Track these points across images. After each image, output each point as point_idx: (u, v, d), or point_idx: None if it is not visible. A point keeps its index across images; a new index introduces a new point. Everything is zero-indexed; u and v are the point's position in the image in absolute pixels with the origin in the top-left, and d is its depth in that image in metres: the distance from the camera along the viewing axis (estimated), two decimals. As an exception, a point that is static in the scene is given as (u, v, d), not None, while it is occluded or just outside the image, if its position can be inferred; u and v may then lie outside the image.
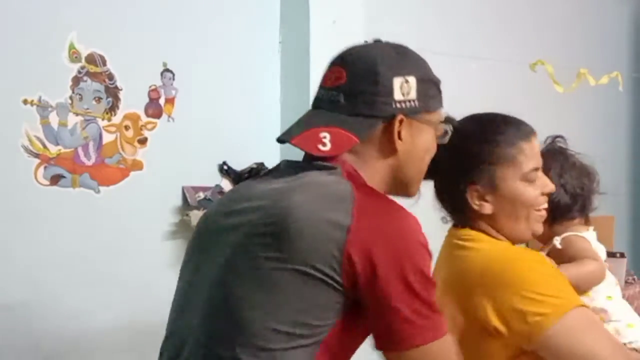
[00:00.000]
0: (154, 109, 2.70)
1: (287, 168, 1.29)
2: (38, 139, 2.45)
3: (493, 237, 1.40)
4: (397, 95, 1.23)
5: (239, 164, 2.80)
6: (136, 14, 2.64)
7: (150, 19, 2.67)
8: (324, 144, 1.20)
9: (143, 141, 2.67)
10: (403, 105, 1.24)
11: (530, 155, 1.38)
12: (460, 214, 1.42)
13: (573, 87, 3.26)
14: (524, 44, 3.67)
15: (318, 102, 1.29)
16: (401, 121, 1.24)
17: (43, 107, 2.45)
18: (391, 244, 1.12)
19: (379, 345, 1.16)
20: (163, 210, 2.71)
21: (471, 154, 1.37)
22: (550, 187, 1.42)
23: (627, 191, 4.39)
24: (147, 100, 2.69)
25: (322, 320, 1.12)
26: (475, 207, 1.37)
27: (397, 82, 1.23)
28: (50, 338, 2.46)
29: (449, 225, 1.49)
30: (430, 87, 1.29)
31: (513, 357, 1.28)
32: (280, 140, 1.27)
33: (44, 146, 2.46)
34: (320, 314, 1.12)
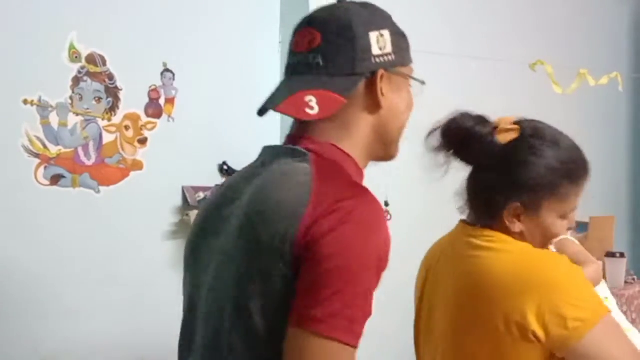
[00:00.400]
0: (154, 109, 2.70)
1: (267, 154, 1.27)
2: (38, 139, 2.45)
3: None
4: (375, 50, 1.21)
5: (239, 164, 2.78)
6: (136, 14, 2.64)
7: (150, 19, 2.67)
8: (312, 108, 1.16)
9: (143, 141, 2.67)
10: (382, 59, 1.21)
11: (579, 197, 1.39)
12: (486, 216, 1.39)
13: (572, 87, 3.26)
14: (524, 44, 3.67)
15: (294, 68, 1.24)
16: (382, 76, 1.21)
17: (43, 107, 2.45)
18: (351, 222, 1.06)
19: (296, 320, 1.06)
20: (163, 210, 2.71)
21: (536, 174, 1.34)
22: (574, 223, 1.42)
23: (627, 191, 4.40)
24: (147, 100, 2.69)
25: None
26: (506, 223, 1.35)
27: (374, 36, 1.21)
28: (50, 338, 2.46)
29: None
30: (402, 40, 1.27)
31: None
32: (264, 109, 1.23)
33: (44, 146, 2.46)
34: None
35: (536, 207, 1.34)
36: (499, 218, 1.36)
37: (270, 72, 2.96)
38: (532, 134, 1.37)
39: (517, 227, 1.35)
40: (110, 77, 2.59)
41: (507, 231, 1.36)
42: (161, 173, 2.69)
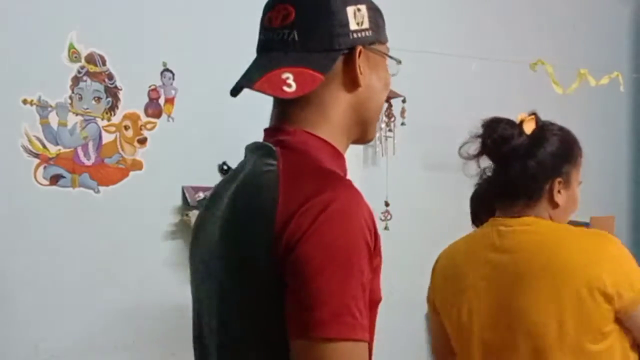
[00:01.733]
0: (154, 108, 2.70)
1: (244, 160, 1.24)
2: (38, 138, 2.45)
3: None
4: (353, 26, 1.15)
5: (239, 164, 2.80)
6: (136, 14, 2.64)
7: (150, 19, 2.67)
8: (289, 85, 1.10)
9: (143, 141, 2.67)
10: (359, 35, 1.15)
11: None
12: (526, 202, 1.58)
13: (572, 88, 3.26)
14: (524, 44, 3.66)
15: (268, 44, 1.17)
16: (360, 53, 1.15)
17: (43, 107, 2.45)
18: (326, 212, 1.00)
19: (294, 332, 1.01)
20: (163, 210, 2.71)
21: (565, 147, 1.59)
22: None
23: (627, 191, 4.39)
24: (146, 100, 2.69)
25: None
26: (556, 198, 1.57)
27: (350, 11, 1.15)
28: (50, 337, 2.46)
29: None
30: (379, 15, 1.21)
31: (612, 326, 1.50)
32: (239, 88, 1.17)
33: (44, 146, 2.46)
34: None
35: (568, 179, 1.59)
36: (539, 200, 1.57)
37: (270, 72, 2.95)
38: (542, 120, 1.62)
39: (561, 199, 1.58)
40: (110, 76, 2.59)
41: (541, 215, 1.58)
42: (161, 173, 2.69)
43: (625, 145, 4.41)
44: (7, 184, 2.40)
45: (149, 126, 2.68)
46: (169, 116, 2.73)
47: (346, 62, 1.15)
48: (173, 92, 2.74)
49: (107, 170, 2.59)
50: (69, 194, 2.51)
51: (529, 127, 1.58)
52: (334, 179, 1.09)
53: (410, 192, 3.27)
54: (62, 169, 2.49)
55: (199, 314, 1.22)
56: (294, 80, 1.11)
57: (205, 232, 1.20)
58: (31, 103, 2.43)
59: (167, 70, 2.72)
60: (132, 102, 2.64)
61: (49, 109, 2.47)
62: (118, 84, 2.60)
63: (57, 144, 2.48)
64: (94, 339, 2.53)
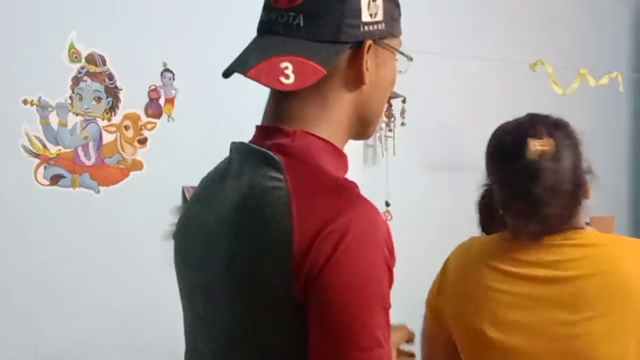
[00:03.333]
0: (154, 109, 2.70)
1: (234, 161, 1.14)
2: (38, 139, 2.45)
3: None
4: (365, 17, 1.04)
5: (239, 164, 2.80)
6: (136, 14, 2.64)
7: (150, 19, 2.67)
8: (287, 76, 1.00)
9: (143, 141, 2.67)
10: (371, 28, 1.05)
11: None
12: (569, 217, 1.41)
13: (572, 88, 3.26)
14: (524, 44, 3.67)
15: (270, 26, 1.06)
16: (369, 48, 1.05)
17: (43, 107, 2.45)
18: (346, 238, 0.93)
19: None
20: (163, 210, 2.71)
21: (581, 156, 1.47)
22: None
23: (627, 191, 4.39)
24: (147, 100, 2.69)
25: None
26: (589, 199, 1.44)
27: (365, 0, 1.04)
28: (50, 338, 2.46)
29: None
30: (394, 8, 1.11)
31: None
32: (230, 72, 1.09)
33: (44, 146, 2.46)
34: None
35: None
36: (578, 210, 1.42)
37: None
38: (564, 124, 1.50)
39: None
40: (110, 77, 2.59)
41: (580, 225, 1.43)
42: (161, 173, 2.69)
43: (625, 145, 4.41)
44: (8, 184, 2.40)
45: (149, 126, 2.68)
46: (169, 116, 2.74)
47: (352, 57, 1.05)
48: (173, 92, 2.74)
49: (107, 170, 2.59)
50: (69, 194, 2.51)
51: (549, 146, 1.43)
52: (348, 196, 1.00)
53: (410, 192, 3.27)
54: (63, 169, 2.50)
55: (193, 329, 1.18)
56: (293, 71, 1.00)
57: (195, 245, 1.14)
58: (31, 103, 2.43)
59: (167, 70, 2.72)
60: (132, 102, 2.64)
61: (49, 109, 2.47)
62: (118, 84, 2.61)
63: (57, 144, 2.49)
64: (94, 339, 2.54)
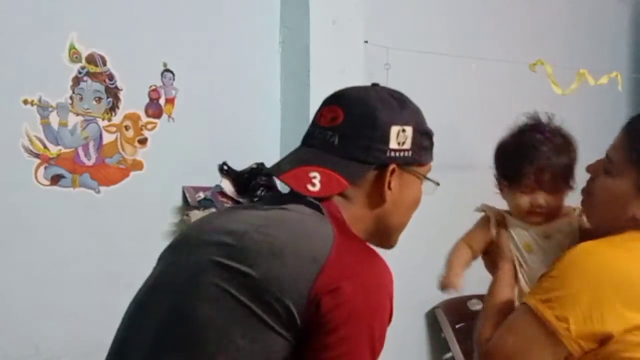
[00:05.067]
0: (154, 109, 2.70)
1: (271, 198, 1.28)
2: (38, 139, 2.45)
3: None
4: (393, 144, 1.21)
5: (239, 164, 2.80)
6: (136, 14, 2.64)
7: (150, 19, 2.67)
8: (314, 184, 1.17)
9: (143, 141, 2.67)
10: (397, 154, 1.21)
11: None
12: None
13: (572, 88, 3.26)
14: (524, 44, 3.67)
15: (310, 140, 1.25)
16: (393, 171, 1.21)
17: (43, 107, 2.46)
18: (364, 287, 1.08)
19: None
20: (163, 210, 2.71)
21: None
22: None
23: (627, 191, 4.39)
24: (147, 100, 2.69)
25: None
26: None
27: (395, 130, 1.21)
28: (51, 338, 2.46)
29: None
30: (425, 139, 1.27)
31: None
32: (269, 173, 1.26)
33: (44, 146, 2.46)
34: None
35: None
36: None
37: (270, 72, 2.96)
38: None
39: None
40: (111, 77, 2.59)
41: None
42: (161, 173, 2.69)
43: (625, 145, 4.41)
44: (8, 184, 2.40)
45: (149, 126, 2.68)
46: (169, 116, 2.74)
47: (378, 177, 1.21)
48: (173, 92, 2.74)
49: (107, 170, 2.59)
50: (69, 194, 2.51)
51: None
52: (372, 257, 1.14)
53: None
54: (63, 169, 2.50)
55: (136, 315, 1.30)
56: (320, 180, 1.17)
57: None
58: (32, 103, 2.43)
59: (167, 70, 2.72)
60: (132, 102, 2.64)
61: (50, 109, 2.47)
62: (118, 84, 2.61)
63: (57, 144, 2.49)
64: (94, 339, 2.53)
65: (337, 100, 1.25)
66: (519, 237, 1.59)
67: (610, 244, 1.35)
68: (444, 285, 1.57)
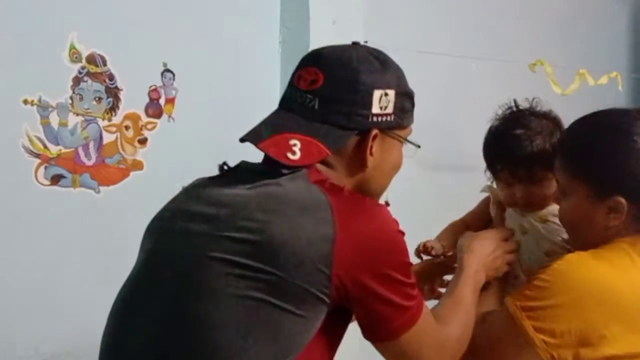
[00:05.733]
0: (154, 109, 2.70)
1: (246, 172, 1.24)
2: (38, 139, 2.45)
3: None
4: (375, 109, 1.17)
5: (239, 164, 2.80)
6: (136, 14, 2.64)
7: (150, 19, 2.67)
8: (294, 152, 1.13)
9: (143, 141, 2.67)
10: (379, 119, 1.18)
11: None
12: None
13: (571, 88, 3.26)
14: (524, 44, 3.67)
15: (289, 103, 1.22)
16: (375, 136, 1.19)
17: (43, 107, 2.45)
18: (375, 251, 1.11)
19: (370, 337, 1.16)
20: (163, 210, 2.70)
21: None
22: None
23: (626, 191, 4.40)
24: (147, 100, 2.69)
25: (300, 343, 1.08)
26: None
27: (377, 94, 1.17)
28: (51, 338, 2.46)
29: None
30: (406, 101, 1.24)
31: None
32: (244, 140, 1.22)
33: (45, 146, 2.46)
34: (298, 340, 1.08)
35: None
36: None
37: (270, 72, 2.96)
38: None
39: None
40: (111, 77, 2.59)
41: None
42: (161, 173, 2.69)
43: (624, 145, 4.41)
44: (8, 184, 2.39)
45: (149, 126, 2.68)
46: (169, 116, 2.74)
47: (359, 142, 1.19)
48: (173, 92, 2.74)
49: (107, 170, 2.59)
50: (69, 194, 2.51)
51: None
52: (371, 201, 1.17)
53: (410, 192, 3.27)
54: (63, 169, 2.50)
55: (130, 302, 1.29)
56: (300, 148, 1.13)
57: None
58: (32, 103, 2.43)
59: (167, 70, 2.72)
60: (132, 102, 2.64)
61: (50, 109, 2.47)
62: (119, 84, 2.61)
63: (57, 144, 2.49)
64: (94, 339, 2.53)
65: (317, 62, 1.20)
66: (514, 219, 1.60)
67: (597, 257, 1.32)
68: (419, 248, 1.63)
